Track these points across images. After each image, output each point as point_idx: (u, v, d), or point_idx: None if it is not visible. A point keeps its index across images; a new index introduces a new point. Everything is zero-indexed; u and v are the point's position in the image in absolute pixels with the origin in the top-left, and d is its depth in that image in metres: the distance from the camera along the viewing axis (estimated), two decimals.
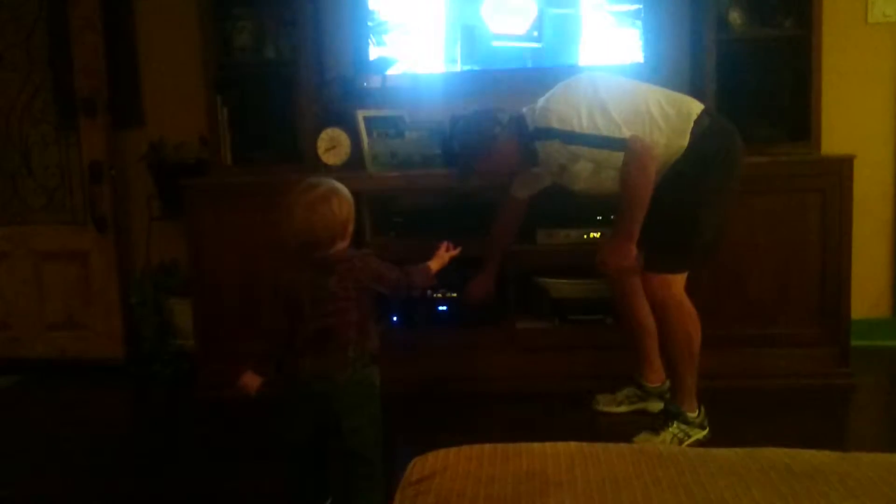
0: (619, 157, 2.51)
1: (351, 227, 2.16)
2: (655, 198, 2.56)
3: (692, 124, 2.59)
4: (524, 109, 2.76)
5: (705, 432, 2.72)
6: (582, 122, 2.53)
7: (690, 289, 2.71)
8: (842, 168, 3.18)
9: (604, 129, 2.51)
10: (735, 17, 3.40)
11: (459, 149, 2.85)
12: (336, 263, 2.11)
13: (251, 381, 2.16)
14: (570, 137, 2.55)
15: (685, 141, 2.58)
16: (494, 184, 3.02)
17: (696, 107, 2.64)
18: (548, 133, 2.60)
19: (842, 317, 3.23)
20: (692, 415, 2.71)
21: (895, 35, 3.63)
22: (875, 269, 3.72)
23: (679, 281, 2.66)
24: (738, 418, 2.91)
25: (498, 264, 3.10)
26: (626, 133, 2.51)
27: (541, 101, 2.69)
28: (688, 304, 2.67)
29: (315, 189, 2.13)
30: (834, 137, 3.45)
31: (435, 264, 2.41)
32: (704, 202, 2.62)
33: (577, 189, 2.75)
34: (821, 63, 3.30)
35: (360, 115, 3.53)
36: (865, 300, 3.65)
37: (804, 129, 3.33)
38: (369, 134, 3.51)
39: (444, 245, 2.48)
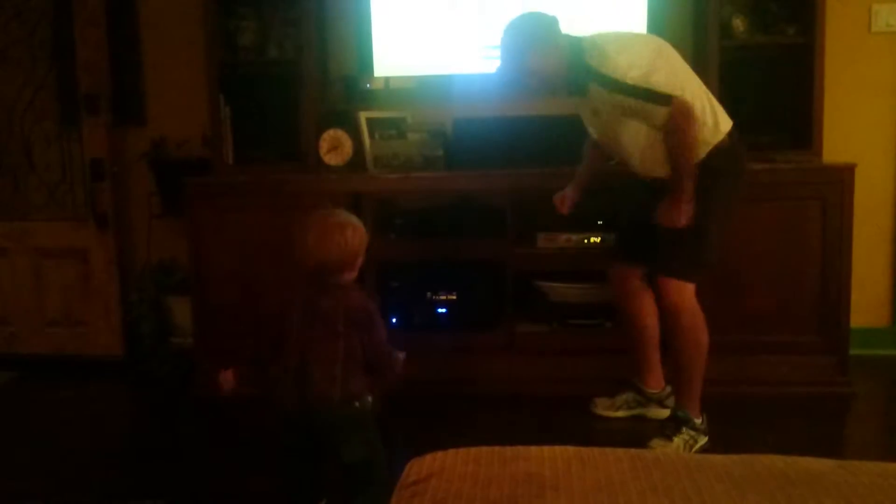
0: (655, 110, 2.51)
1: (360, 261, 2.18)
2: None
3: (724, 133, 2.62)
4: (584, 37, 2.66)
5: (707, 439, 2.72)
6: (633, 73, 2.50)
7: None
8: (843, 176, 3.18)
9: (653, 85, 2.49)
10: (738, 24, 3.40)
11: (510, 42, 2.67)
12: (335, 289, 2.12)
13: (227, 378, 2.19)
14: (620, 86, 2.51)
15: (714, 141, 2.60)
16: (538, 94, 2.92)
17: (727, 123, 2.66)
18: (600, 79, 2.55)
19: (841, 325, 3.23)
20: (698, 421, 2.72)
21: None
22: (875, 277, 3.72)
23: (692, 288, 2.67)
24: (736, 425, 2.91)
25: (583, 187, 2.99)
26: (669, 90, 2.49)
27: (600, 40, 2.62)
28: (700, 311, 2.68)
29: (331, 217, 2.17)
30: (835, 146, 3.46)
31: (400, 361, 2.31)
32: (717, 214, 2.64)
33: (594, 134, 2.76)
34: (823, 71, 3.30)
35: (363, 115, 3.54)
36: (865, 309, 3.65)
37: (806, 136, 3.33)
38: (371, 135, 3.51)
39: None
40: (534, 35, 2.64)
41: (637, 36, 2.65)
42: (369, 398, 2.16)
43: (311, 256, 2.11)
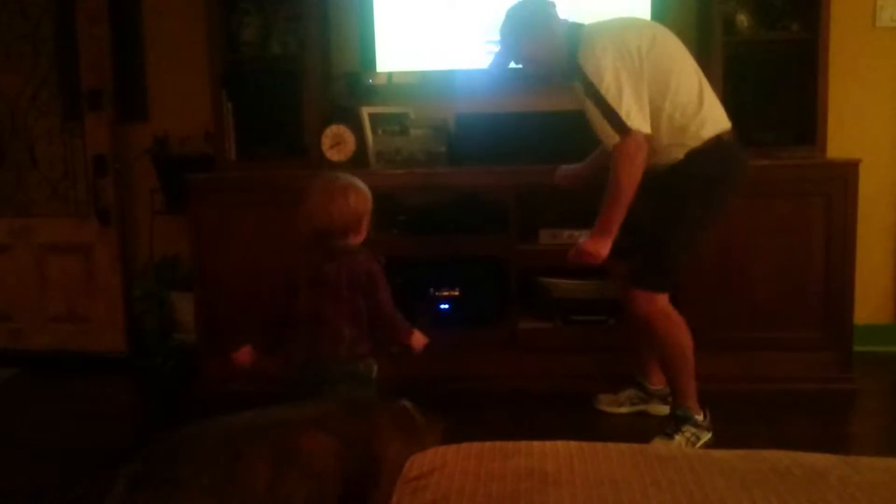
0: (606, 135, 2.49)
1: (366, 223, 2.22)
2: (644, 214, 2.58)
3: (705, 139, 2.58)
4: (584, 27, 2.65)
5: (710, 434, 2.72)
6: (606, 82, 2.47)
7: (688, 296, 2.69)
8: (847, 172, 3.17)
9: (616, 103, 2.46)
10: (742, 19, 3.40)
11: (507, 28, 2.68)
12: (340, 252, 2.15)
13: (244, 355, 2.21)
14: (592, 91, 2.49)
15: (682, 153, 2.58)
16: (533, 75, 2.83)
17: (724, 122, 2.62)
18: (580, 75, 2.53)
19: (845, 322, 3.22)
20: (699, 417, 2.71)
21: None
22: (878, 274, 3.71)
23: (663, 297, 2.66)
24: (739, 422, 2.90)
25: (592, 167, 2.95)
26: (632, 123, 2.46)
27: (595, 35, 2.59)
28: (674, 314, 2.66)
29: (335, 181, 2.21)
30: (839, 142, 3.45)
31: (417, 337, 2.35)
32: (689, 222, 2.61)
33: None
34: (827, 67, 3.29)
35: (365, 111, 3.53)
36: (868, 305, 3.64)
37: (810, 132, 3.32)
38: (374, 131, 3.51)
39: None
40: (528, 22, 2.65)
41: (629, 32, 2.58)
42: (374, 364, 2.17)
43: (315, 220, 2.15)
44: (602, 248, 2.55)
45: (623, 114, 2.46)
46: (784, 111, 3.44)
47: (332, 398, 2.05)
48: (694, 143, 2.58)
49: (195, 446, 1.56)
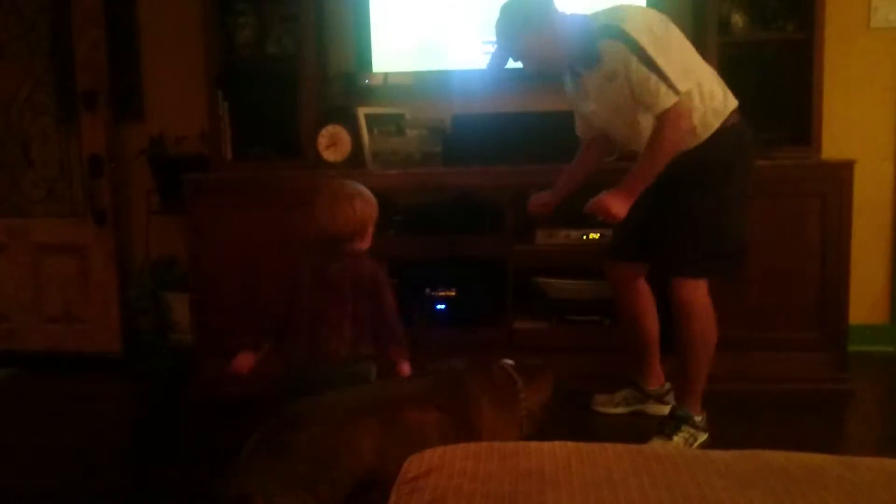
0: (660, 95, 2.42)
1: (371, 230, 2.23)
2: (680, 201, 2.58)
3: (727, 114, 2.57)
4: (590, 12, 2.61)
5: (707, 435, 2.72)
6: (651, 44, 2.42)
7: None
8: (842, 173, 3.18)
9: (664, 66, 2.42)
10: (737, 20, 3.40)
11: (503, 25, 2.62)
12: (345, 256, 2.16)
13: (244, 360, 2.21)
14: (638, 49, 2.42)
15: (716, 125, 2.56)
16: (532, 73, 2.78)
17: (733, 101, 2.62)
18: (619, 34, 2.45)
19: (840, 322, 3.23)
20: (698, 418, 2.71)
21: None
22: (874, 274, 3.72)
23: (705, 285, 2.63)
24: (735, 421, 2.91)
25: (564, 192, 2.95)
26: (680, 86, 2.43)
27: (614, 9, 2.56)
28: (712, 310, 2.64)
29: (343, 187, 2.23)
30: (835, 142, 3.46)
31: (404, 366, 2.32)
32: (730, 206, 2.60)
33: (587, 111, 2.71)
34: (822, 67, 3.30)
35: (361, 112, 3.53)
36: (864, 305, 3.65)
37: (805, 133, 3.33)
38: (370, 131, 3.51)
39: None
40: (525, 16, 2.59)
41: (645, 9, 2.61)
42: (373, 367, 2.18)
43: (321, 227, 2.16)
44: (622, 207, 2.51)
45: (672, 76, 2.42)
46: (779, 111, 3.45)
47: (427, 373, 2.08)
48: (725, 109, 2.56)
49: (307, 417, 1.72)
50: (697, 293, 2.62)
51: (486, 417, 1.93)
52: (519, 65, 2.71)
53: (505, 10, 2.64)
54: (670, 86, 2.41)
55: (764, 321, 3.25)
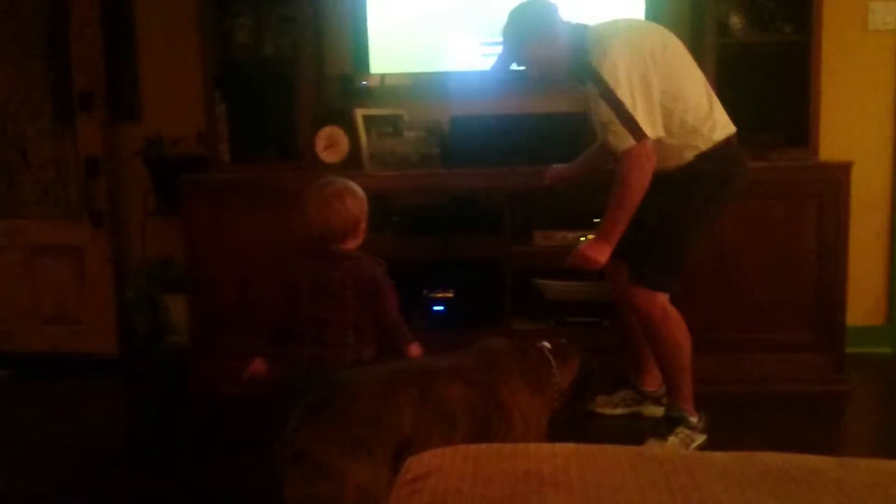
0: (620, 136, 2.44)
1: (364, 226, 2.23)
2: (649, 211, 2.57)
3: (716, 141, 2.58)
4: (589, 28, 2.63)
5: (705, 437, 2.72)
6: (622, 87, 2.44)
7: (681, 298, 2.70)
8: (839, 174, 3.18)
9: (632, 107, 2.43)
10: (735, 21, 3.41)
11: (509, 31, 2.64)
12: (343, 259, 2.16)
13: (259, 366, 2.21)
14: (608, 93, 2.45)
15: (693, 155, 2.58)
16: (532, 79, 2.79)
17: (731, 126, 2.63)
18: (593, 74, 2.49)
19: (837, 323, 3.24)
20: (694, 419, 2.71)
21: (895, 42, 3.63)
22: (871, 276, 3.73)
23: (663, 296, 2.65)
24: (733, 423, 2.91)
25: (583, 168, 2.96)
26: (647, 130, 2.44)
27: (607, 32, 2.57)
28: (674, 313, 2.66)
29: (330, 185, 2.21)
30: (832, 144, 3.47)
31: (414, 349, 2.34)
32: (695, 222, 2.62)
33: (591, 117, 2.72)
34: (820, 69, 3.31)
35: (359, 113, 3.53)
36: (861, 307, 3.65)
37: (802, 134, 3.34)
38: (368, 132, 3.51)
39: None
40: (532, 23, 2.62)
41: (641, 35, 2.57)
42: None
43: (312, 226, 2.16)
44: (602, 255, 2.55)
45: (639, 118, 2.44)
46: (777, 113, 3.45)
47: (465, 350, 2.12)
48: (705, 145, 2.58)
49: (356, 384, 1.82)
50: (653, 303, 2.63)
51: (517, 397, 1.99)
52: (522, 69, 2.73)
53: (512, 17, 2.66)
54: (634, 129, 2.44)
55: (761, 322, 3.25)
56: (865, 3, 3.60)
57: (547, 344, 2.20)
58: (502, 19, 2.68)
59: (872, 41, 3.64)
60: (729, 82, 3.35)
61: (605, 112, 2.47)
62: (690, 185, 2.59)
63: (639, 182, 2.48)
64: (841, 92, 3.59)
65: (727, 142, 2.61)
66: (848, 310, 3.25)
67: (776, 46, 3.46)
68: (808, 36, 3.30)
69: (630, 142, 2.45)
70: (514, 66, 2.73)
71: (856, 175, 3.19)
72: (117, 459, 2.85)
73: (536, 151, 3.38)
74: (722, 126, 2.62)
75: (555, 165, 3.03)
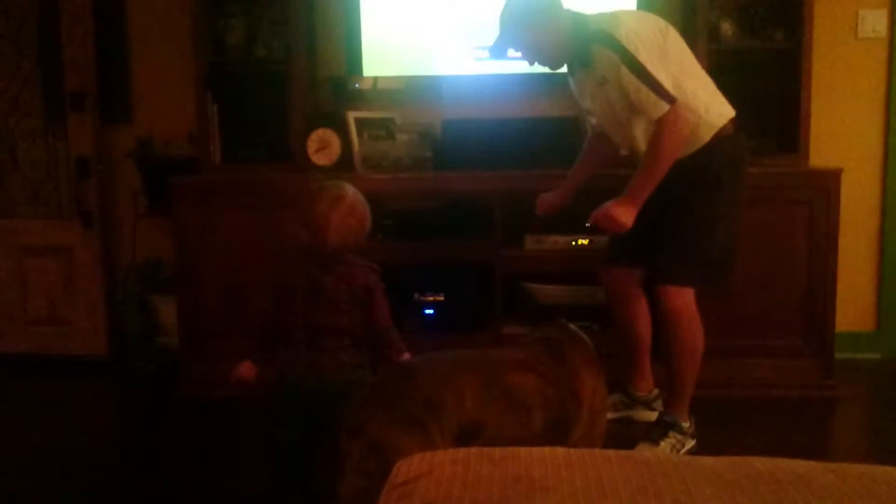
0: (651, 103, 2.43)
1: (364, 232, 2.23)
2: (671, 207, 2.58)
3: (722, 125, 2.59)
4: (589, 13, 2.62)
5: (694, 441, 2.73)
6: (643, 53, 2.43)
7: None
8: (829, 181, 3.20)
9: (656, 74, 2.42)
10: (726, 28, 3.42)
11: (509, 15, 2.63)
12: (338, 265, 2.14)
13: (246, 370, 2.19)
14: (628, 58, 2.43)
15: (707, 137, 2.58)
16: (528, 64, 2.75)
17: (730, 110, 2.63)
18: (610, 42, 2.45)
19: (827, 329, 3.25)
20: (685, 424, 2.72)
21: (884, 50, 3.66)
22: (860, 282, 3.75)
23: (691, 293, 2.64)
24: (721, 428, 2.92)
25: (571, 191, 2.95)
26: (673, 93, 2.43)
27: (612, 13, 2.58)
28: (698, 318, 2.65)
29: (343, 198, 2.18)
30: (822, 150, 3.49)
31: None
32: (718, 215, 2.61)
33: (596, 117, 2.72)
34: (810, 76, 3.33)
35: (351, 116, 3.53)
36: (850, 313, 3.67)
37: (793, 141, 3.36)
38: (360, 135, 3.51)
39: None
40: (528, 11, 2.61)
41: (641, 14, 2.61)
42: (369, 374, 2.17)
43: (312, 230, 2.14)
44: (628, 216, 2.50)
45: (665, 83, 2.43)
46: (767, 119, 3.47)
47: (534, 340, 2.16)
48: (720, 120, 2.58)
49: (417, 369, 1.90)
50: (683, 301, 2.62)
51: (587, 388, 2.02)
52: (518, 57, 2.72)
53: (510, 1, 2.65)
54: (663, 94, 2.42)
55: (751, 328, 3.26)
56: (856, 11, 3.62)
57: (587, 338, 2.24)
58: (494, 24, 2.67)
59: (862, 48, 3.66)
60: (719, 88, 3.35)
61: (629, 81, 2.43)
62: (717, 169, 2.58)
63: (675, 146, 2.47)
64: (831, 99, 3.62)
65: (733, 122, 2.62)
66: (837, 316, 3.27)
67: (767, 53, 3.48)
68: (798, 42, 3.32)
69: (664, 106, 2.42)
70: (510, 52, 2.71)
71: (846, 182, 3.21)
72: (106, 461, 2.84)
73: (528, 156, 3.39)
74: (727, 106, 2.63)
75: (543, 195, 2.99)
